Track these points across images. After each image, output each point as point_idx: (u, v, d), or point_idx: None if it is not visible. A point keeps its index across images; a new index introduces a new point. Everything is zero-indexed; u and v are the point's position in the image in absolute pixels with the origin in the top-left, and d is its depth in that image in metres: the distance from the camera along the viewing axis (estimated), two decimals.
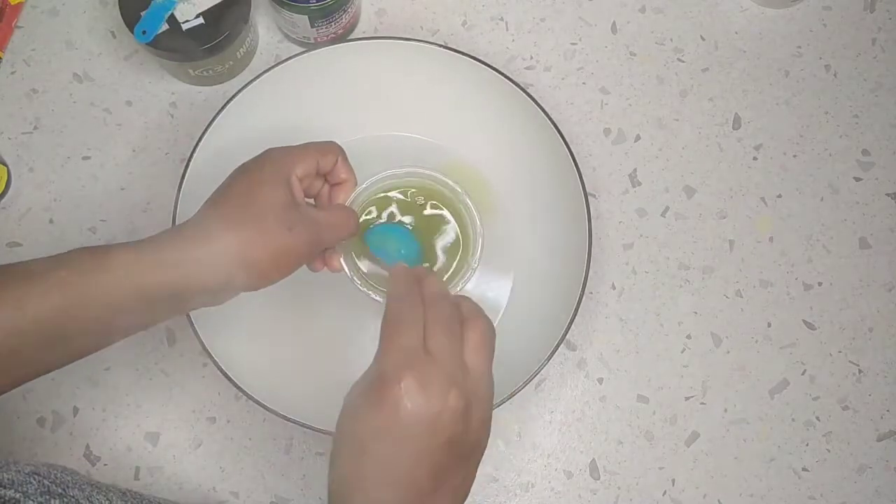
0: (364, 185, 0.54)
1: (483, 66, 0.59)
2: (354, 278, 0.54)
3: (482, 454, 0.42)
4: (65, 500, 0.45)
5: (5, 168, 0.62)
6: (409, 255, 0.53)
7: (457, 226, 0.56)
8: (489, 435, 0.42)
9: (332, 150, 0.51)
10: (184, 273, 0.43)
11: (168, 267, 0.43)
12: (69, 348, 0.44)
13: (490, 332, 0.43)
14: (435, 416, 0.38)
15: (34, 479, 0.44)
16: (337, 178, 0.52)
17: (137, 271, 0.43)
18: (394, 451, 0.38)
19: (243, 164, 0.49)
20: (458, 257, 0.56)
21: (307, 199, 0.51)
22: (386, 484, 0.39)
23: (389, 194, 0.56)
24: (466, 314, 0.43)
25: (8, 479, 0.43)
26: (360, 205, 0.55)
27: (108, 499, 0.48)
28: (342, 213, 0.51)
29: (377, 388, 0.39)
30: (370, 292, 0.53)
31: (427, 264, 0.56)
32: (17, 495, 0.42)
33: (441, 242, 0.57)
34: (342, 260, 0.54)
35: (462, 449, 0.40)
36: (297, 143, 0.50)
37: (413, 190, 0.56)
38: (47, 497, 0.44)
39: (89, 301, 0.42)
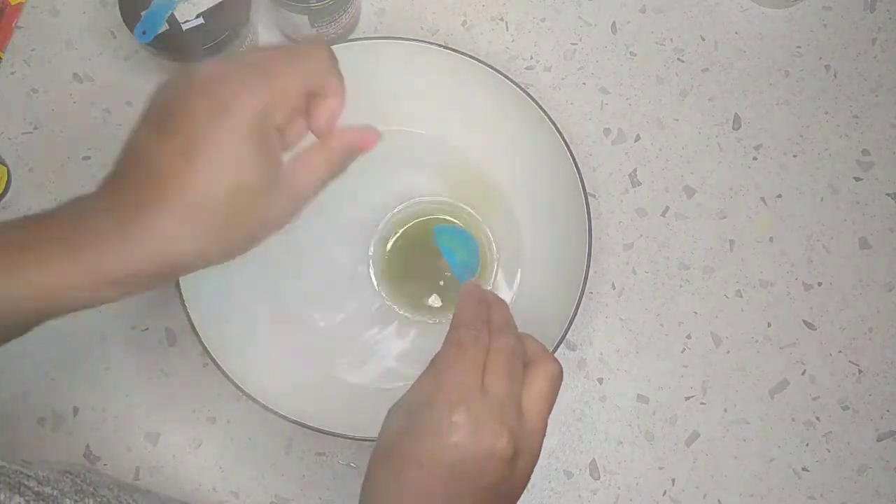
0: (397, 209, 0.60)
1: (483, 66, 0.59)
2: (381, 292, 0.59)
3: (517, 501, 0.40)
4: (97, 499, 0.44)
5: (5, 168, 0.62)
6: (471, 266, 0.54)
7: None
8: (527, 484, 0.40)
9: (319, 55, 0.37)
10: (97, 273, 0.35)
11: (73, 272, 0.35)
12: None
13: (556, 381, 0.40)
14: (481, 459, 0.36)
15: (67, 478, 0.44)
16: (320, 93, 0.38)
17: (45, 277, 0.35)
18: (431, 485, 0.36)
19: (167, 98, 0.35)
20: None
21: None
22: None
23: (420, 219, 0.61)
24: (532, 355, 0.40)
25: (44, 476, 0.42)
26: (391, 228, 0.61)
27: (133, 499, 0.48)
28: (326, 153, 0.39)
29: (427, 415, 0.37)
30: (395, 306, 0.59)
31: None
32: (55, 492, 0.41)
33: None
34: (371, 272, 0.59)
35: (499, 495, 0.38)
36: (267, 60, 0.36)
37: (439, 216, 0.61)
38: (81, 496, 0.43)
39: None
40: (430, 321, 0.60)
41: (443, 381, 0.38)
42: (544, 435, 0.40)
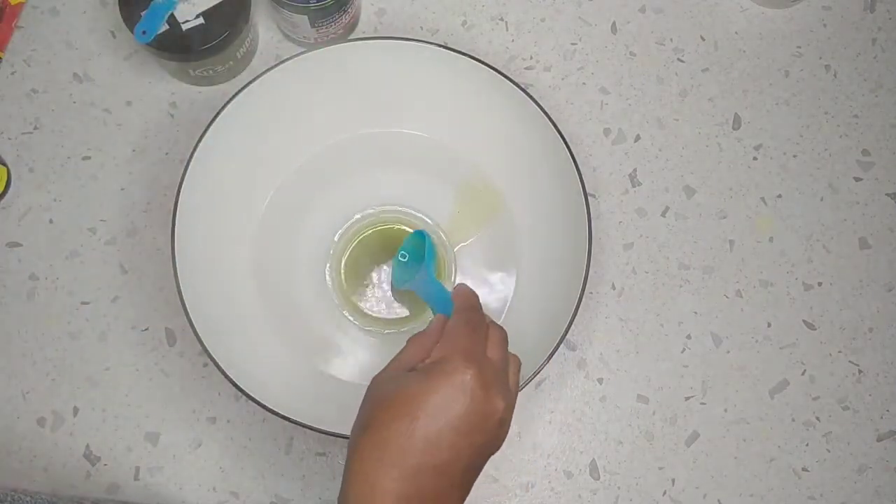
0: (353, 220, 0.61)
1: (483, 66, 0.59)
2: (335, 297, 0.60)
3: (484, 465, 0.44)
4: None
5: (5, 168, 0.62)
6: (434, 267, 0.57)
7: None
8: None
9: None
10: None
11: None
12: None
13: (519, 367, 0.48)
14: (487, 414, 0.41)
15: None
16: None
17: None
18: (442, 434, 0.40)
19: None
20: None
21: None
22: (428, 464, 0.40)
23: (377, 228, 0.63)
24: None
25: None
26: (350, 238, 0.61)
27: None
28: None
29: (441, 370, 0.41)
30: (357, 322, 0.60)
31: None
32: None
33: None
34: (331, 291, 0.60)
35: (489, 453, 0.43)
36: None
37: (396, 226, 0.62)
38: None
39: None
40: (387, 331, 0.61)
41: (456, 346, 0.43)
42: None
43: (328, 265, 0.61)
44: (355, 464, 0.40)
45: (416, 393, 0.41)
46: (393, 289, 0.61)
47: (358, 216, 0.62)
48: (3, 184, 0.62)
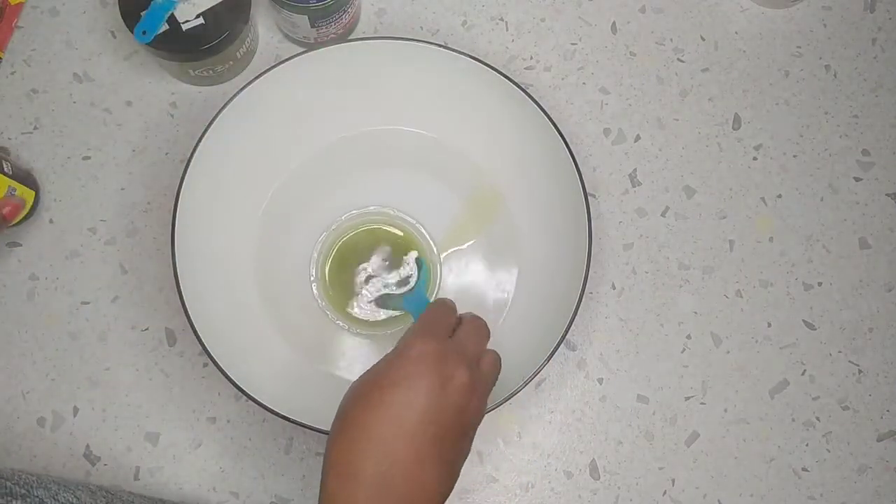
0: (339, 222, 0.61)
1: (483, 66, 0.59)
2: (326, 310, 0.60)
3: (473, 437, 0.46)
4: (28, 500, 0.45)
5: (34, 193, 0.61)
6: (426, 287, 0.61)
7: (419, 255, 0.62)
8: (480, 422, 0.46)
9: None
10: None
11: None
12: None
13: (500, 363, 0.49)
14: (445, 377, 0.43)
15: None
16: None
17: None
18: (408, 400, 0.42)
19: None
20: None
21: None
22: (401, 434, 0.42)
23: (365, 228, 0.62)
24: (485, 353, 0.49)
25: None
26: (337, 237, 0.61)
27: (75, 496, 0.49)
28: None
29: (399, 351, 0.44)
30: (343, 324, 0.60)
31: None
32: None
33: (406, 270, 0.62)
34: (314, 292, 0.60)
35: (462, 422, 0.44)
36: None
37: (382, 227, 0.62)
38: (9, 498, 0.44)
39: None
40: (377, 333, 0.61)
41: (415, 330, 0.46)
42: (487, 398, 0.47)
43: (313, 270, 0.61)
44: (333, 455, 0.42)
45: (379, 375, 0.44)
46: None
47: (342, 219, 0.62)
48: (28, 208, 0.61)
